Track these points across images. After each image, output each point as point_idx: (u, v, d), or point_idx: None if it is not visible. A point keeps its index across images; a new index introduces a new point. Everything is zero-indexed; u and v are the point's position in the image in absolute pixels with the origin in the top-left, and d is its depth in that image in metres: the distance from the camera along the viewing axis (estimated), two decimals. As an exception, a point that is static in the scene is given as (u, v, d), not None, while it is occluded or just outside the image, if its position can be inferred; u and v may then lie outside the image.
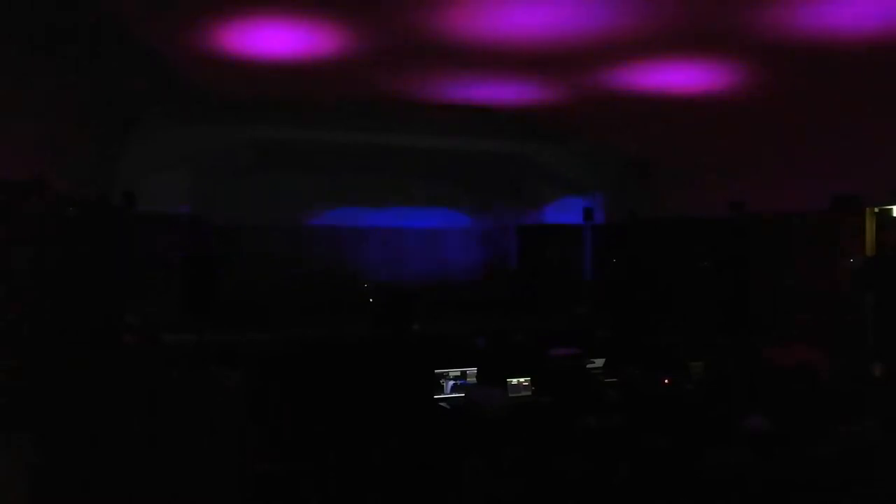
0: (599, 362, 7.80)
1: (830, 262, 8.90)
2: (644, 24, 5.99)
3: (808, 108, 8.64)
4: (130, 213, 9.97)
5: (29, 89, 7.15)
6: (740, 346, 8.91)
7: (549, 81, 8.01)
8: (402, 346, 9.68)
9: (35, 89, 7.25)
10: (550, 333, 10.04)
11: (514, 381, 6.89)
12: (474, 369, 6.93)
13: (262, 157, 11.55)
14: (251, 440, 6.44)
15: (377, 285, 12.53)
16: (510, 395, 6.74)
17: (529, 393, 6.90)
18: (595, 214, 12.86)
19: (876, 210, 8.66)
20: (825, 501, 4.35)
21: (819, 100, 8.40)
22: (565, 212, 13.23)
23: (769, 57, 6.90)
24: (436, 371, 6.86)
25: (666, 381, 6.88)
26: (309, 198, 12.63)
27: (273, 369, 8.19)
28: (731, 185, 10.34)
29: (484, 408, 6.02)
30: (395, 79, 7.98)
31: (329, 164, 12.23)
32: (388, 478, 5.42)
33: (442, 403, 6.71)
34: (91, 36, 6.39)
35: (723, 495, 4.42)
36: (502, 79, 7.92)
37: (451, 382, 6.83)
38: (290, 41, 6.58)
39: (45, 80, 7.25)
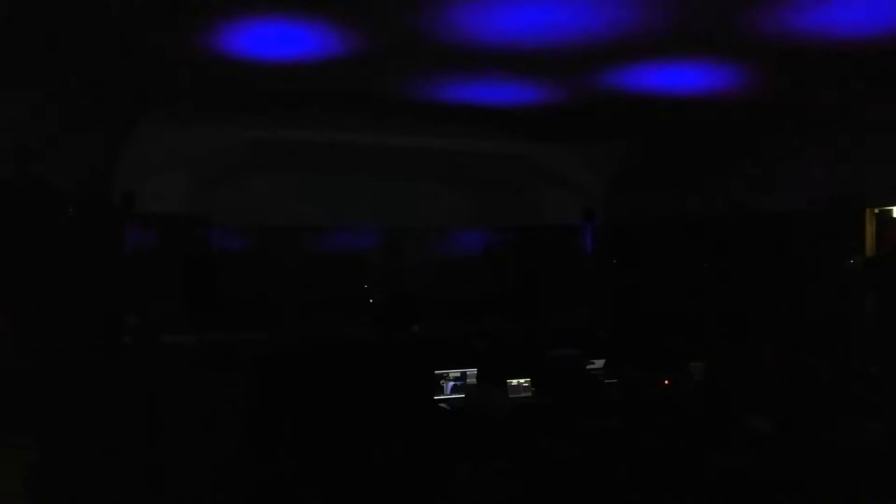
0: (599, 363, 7.79)
1: (830, 262, 8.90)
2: (644, 25, 5.99)
3: (808, 108, 8.65)
4: (130, 214, 9.97)
5: (29, 89, 7.15)
6: (740, 346, 8.91)
7: (549, 81, 8.01)
8: (402, 347, 9.68)
9: (35, 89, 7.25)
10: (550, 334, 10.04)
11: (514, 381, 6.89)
12: (474, 370, 6.93)
13: (262, 157, 11.55)
14: (251, 441, 6.44)
15: (377, 286, 12.53)
16: (510, 395, 6.75)
17: (529, 394, 6.90)
18: (595, 215, 12.85)
19: (876, 210, 8.67)
20: (826, 501, 4.35)
21: (819, 100, 8.41)
22: (565, 212, 13.21)
23: (769, 57, 6.90)
24: (436, 372, 6.86)
25: (666, 381, 6.88)
26: (309, 198, 12.62)
27: (272, 370, 8.19)
28: (731, 185, 10.35)
29: (484, 409, 6.02)
30: (395, 79, 7.97)
31: (329, 165, 12.22)
32: (388, 479, 5.41)
33: (442, 404, 6.72)
34: (91, 35, 6.38)
35: (723, 496, 4.41)
36: (503, 79, 7.92)
37: (451, 383, 6.83)
38: (290, 41, 6.58)
39: (46, 80, 7.25)
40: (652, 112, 9.30)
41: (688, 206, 11.05)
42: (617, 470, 4.65)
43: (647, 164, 11.80)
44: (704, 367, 7.52)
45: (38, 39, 6.31)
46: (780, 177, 9.64)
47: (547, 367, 7.48)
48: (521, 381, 6.93)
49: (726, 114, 9.19)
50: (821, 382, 7.03)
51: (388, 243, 13.36)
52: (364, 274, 12.97)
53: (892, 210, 8.63)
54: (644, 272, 11.77)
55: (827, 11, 5.61)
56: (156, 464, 5.86)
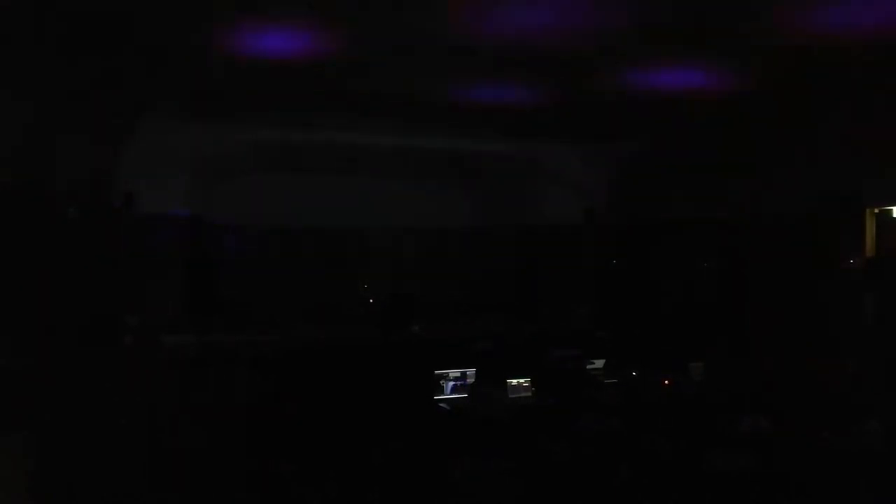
0: (599, 363, 7.79)
1: (830, 262, 8.89)
2: (644, 25, 5.99)
3: (808, 107, 8.65)
4: (130, 214, 9.96)
5: (29, 88, 7.15)
6: (739, 347, 8.91)
7: (549, 81, 8.01)
8: (402, 347, 9.68)
9: (35, 88, 7.25)
10: (550, 335, 10.05)
11: (514, 381, 6.89)
12: (474, 370, 6.93)
13: (261, 157, 11.55)
14: (251, 440, 6.44)
15: (377, 287, 12.52)
16: (510, 395, 6.74)
17: (529, 394, 6.90)
18: (595, 215, 12.84)
19: (876, 210, 8.67)
20: (825, 501, 4.35)
21: (819, 99, 8.40)
22: (565, 213, 13.20)
23: (769, 57, 6.90)
24: (436, 372, 6.86)
25: (666, 382, 6.89)
26: (309, 198, 12.62)
27: (273, 370, 8.19)
28: (730, 185, 10.34)
29: (484, 409, 6.02)
30: (395, 79, 7.97)
31: (329, 165, 12.23)
32: (388, 479, 5.41)
33: (442, 405, 6.72)
34: (92, 35, 6.38)
35: (723, 496, 4.41)
36: (503, 79, 7.92)
37: (451, 383, 6.83)
38: (289, 41, 6.58)
39: (46, 79, 7.25)
40: (653, 112, 9.29)
41: (688, 207, 11.05)
42: (617, 470, 4.65)
43: (647, 165, 11.79)
44: (704, 367, 7.52)
45: (38, 39, 6.31)
46: (781, 177, 9.63)
47: (547, 368, 7.48)
48: (521, 381, 6.92)
49: (726, 114, 9.18)
50: (819, 383, 7.04)
51: (389, 243, 13.36)
52: (364, 274, 12.96)
53: (892, 210, 8.62)
54: (644, 272, 11.76)
55: (827, 11, 5.62)
56: (155, 463, 5.85)
